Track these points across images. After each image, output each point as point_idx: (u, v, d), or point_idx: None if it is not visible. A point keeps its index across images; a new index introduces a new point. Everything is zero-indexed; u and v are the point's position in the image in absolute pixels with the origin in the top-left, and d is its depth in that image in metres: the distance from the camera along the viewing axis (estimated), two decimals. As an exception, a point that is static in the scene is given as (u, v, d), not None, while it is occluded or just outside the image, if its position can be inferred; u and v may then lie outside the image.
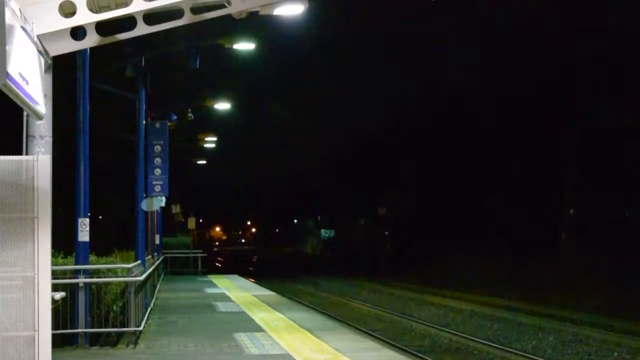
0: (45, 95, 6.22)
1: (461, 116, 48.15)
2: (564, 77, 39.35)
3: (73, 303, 11.59)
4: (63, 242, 11.82)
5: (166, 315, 16.49)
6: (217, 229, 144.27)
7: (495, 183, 44.22)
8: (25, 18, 5.69)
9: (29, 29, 5.70)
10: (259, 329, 13.90)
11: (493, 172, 44.14)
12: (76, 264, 12.00)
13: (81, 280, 11.80)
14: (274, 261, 66.63)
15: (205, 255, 38.59)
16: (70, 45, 6.39)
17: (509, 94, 42.52)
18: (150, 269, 18.32)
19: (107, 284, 12.35)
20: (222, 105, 28.04)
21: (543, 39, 40.88)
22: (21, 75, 5.19)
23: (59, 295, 8.02)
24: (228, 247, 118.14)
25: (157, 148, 23.89)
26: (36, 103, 5.78)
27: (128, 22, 6.54)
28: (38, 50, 5.96)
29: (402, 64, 64.86)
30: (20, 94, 5.16)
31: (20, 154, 6.74)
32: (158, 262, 26.21)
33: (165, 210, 32.83)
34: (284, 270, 50.61)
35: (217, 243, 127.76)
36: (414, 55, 62.26)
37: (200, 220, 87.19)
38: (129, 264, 13.29)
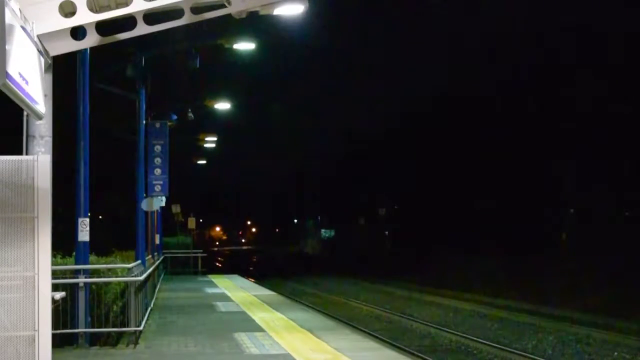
0: (45, 95, 6.22)
1: (461, 115, 48.17)
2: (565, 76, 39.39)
3: (73, 303, 11.58)
4: (63, 242, 11.82)
5: (166, 315, 16.48)
6: (217, 229, 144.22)
7: (495, 183, 44.20)
8: (25, 18, 5.68)
9: (29, 29, 5.70)
10: (259, 328, 13.89)
11: (493, 172, 44.12)
12: (76, 263, 12.00)
13: (81, 280, 11.79)
14: (274, 261, 66.59)
15: (205, 255, 38.57)
16: (70, 45, 6.39)
17: (511, 93, 42.58)
18: (150, 269, 18.30)
19: (107, 283, 12.36)
20: (222, 105, 28.03)
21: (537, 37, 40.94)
22: (21, 75, 5.19)
23: (59, 295, 8.02)
24: (228, 246, 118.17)
25: (157, 148, 23.90)
26: (36, 103, 5.78)
27: (128, 22, 6.54)
28: (38, 50, 5.96)
29: (402, 64, 64.85)
30: (20, 93, 5.15)
31: (21, 154, 6.74)
32: (158, 262, 26.20)
33: (165, 210, 32.81)
34: (284, 270, 50.59)
35: (217, 243, 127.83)
36: (414, 56, 62.27)
37: (200, 220, 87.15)
38: (129, 264, 13.28)
